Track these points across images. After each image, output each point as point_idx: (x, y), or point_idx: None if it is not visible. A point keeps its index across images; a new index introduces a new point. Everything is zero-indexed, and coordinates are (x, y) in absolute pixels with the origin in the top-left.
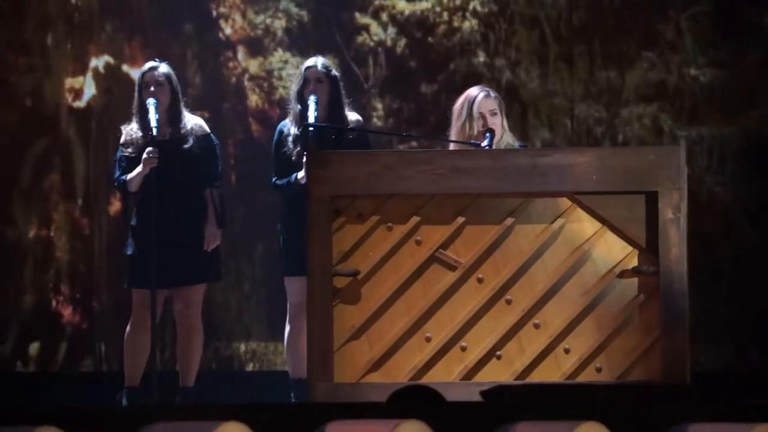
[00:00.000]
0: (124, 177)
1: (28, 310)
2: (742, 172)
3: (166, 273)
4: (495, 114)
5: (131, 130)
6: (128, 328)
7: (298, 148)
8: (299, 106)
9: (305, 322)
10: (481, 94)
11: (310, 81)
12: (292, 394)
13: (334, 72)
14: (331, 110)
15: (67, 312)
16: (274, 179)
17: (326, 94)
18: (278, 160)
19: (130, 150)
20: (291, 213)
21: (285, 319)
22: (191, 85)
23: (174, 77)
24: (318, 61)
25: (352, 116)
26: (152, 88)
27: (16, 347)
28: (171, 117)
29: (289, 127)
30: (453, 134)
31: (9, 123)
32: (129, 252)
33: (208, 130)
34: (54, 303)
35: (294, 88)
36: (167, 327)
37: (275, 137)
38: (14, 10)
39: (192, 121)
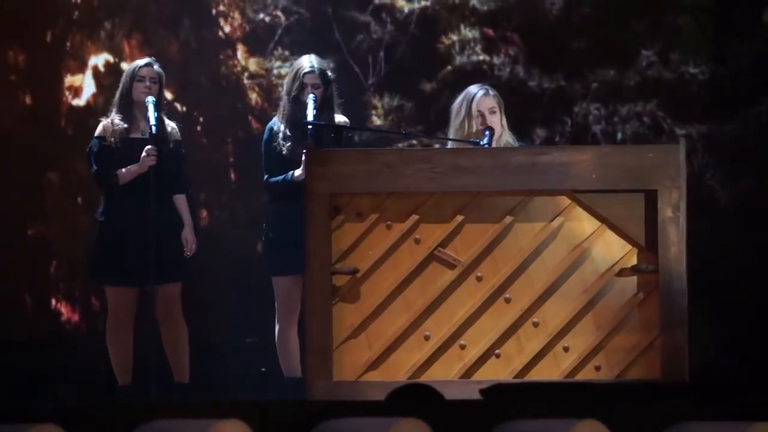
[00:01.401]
0: (113, 171)
1: (27, 307)
2: (741, 170)
3: (146, 271)
4: (494, 112)
5: (111, 122)
6: (108, 327)
7: (289, 145)
8: (291, 106)
9: (294, 320)
10: (480, 92)
11: (307, 86)
12: (286, 393)
13: (330, 74)
14: (322, 111)
15: (66, 310)
16: (266, 177)
17: (321, 95)
18: (269, 157)
19: (113, 140)
20: (278, 211)
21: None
22: (190, 83)
23: (164, 79)
24: (314, 64)
25: (339, 118)
26: (147, 83)
27: (15, 345)
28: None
29: (278, 125)
30: (451, 132)
31: (8, 121)
32: (99, 248)
33: (180, 137)
34: (53, 301)
35: (287, 86)
36: (147, 324)
37: (265, 135)
38: (14, 7)
39: (170, 125)
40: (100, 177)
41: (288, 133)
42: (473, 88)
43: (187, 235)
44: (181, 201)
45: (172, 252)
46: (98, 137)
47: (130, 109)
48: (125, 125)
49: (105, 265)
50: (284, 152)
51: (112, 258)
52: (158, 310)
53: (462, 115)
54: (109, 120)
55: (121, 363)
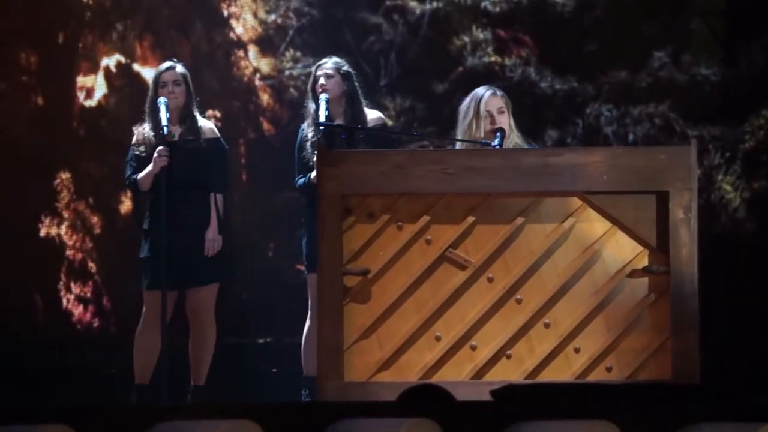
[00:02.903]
0: (134, 176)
1: (39, 308)
2: (753, 171)
3: (178, 273)
4: (502, 112)
5: (143, 130)
6: (139, 326)
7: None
8: (313, 105)
9: None
10: (488, 93)
11: (320, 78)
12: (304, 392)
13: (346, 68)
14: (347, 106)
15: (77, 311)
16: (296, 179)
17: (339, 89)
18: (299, 160)
19: (142, 149)
20: (312, 211)
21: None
22: (202, 84)
23: (189, 78)
24: (330, 59)
25: (373, 114)
26: (170, 87)
27: (26, 345)
28: (184, 117)
29: (308, 128)
30: (459, 134)
31: (21, 121)
32: (142, 255)
33: (218, 134)
34: (65, 302)
35: (308, 87)
36: (179, 326)
37: (297, 139)
38: (26, 8)
39: (203, 123)
40: (128, 183)
41: (311, 136)
42: (480, 89)
43: (210, 234)
44: (210, 200)
45: (204, 255)
46: (133, 145)
47: (156, 114)
48: (152, 131)
49: (147, 268)
50: (310, 154)
51: (152, 262)
52: (189, 312)
53: (470, 116)
54: (142, 127)
55: (144, 364)
